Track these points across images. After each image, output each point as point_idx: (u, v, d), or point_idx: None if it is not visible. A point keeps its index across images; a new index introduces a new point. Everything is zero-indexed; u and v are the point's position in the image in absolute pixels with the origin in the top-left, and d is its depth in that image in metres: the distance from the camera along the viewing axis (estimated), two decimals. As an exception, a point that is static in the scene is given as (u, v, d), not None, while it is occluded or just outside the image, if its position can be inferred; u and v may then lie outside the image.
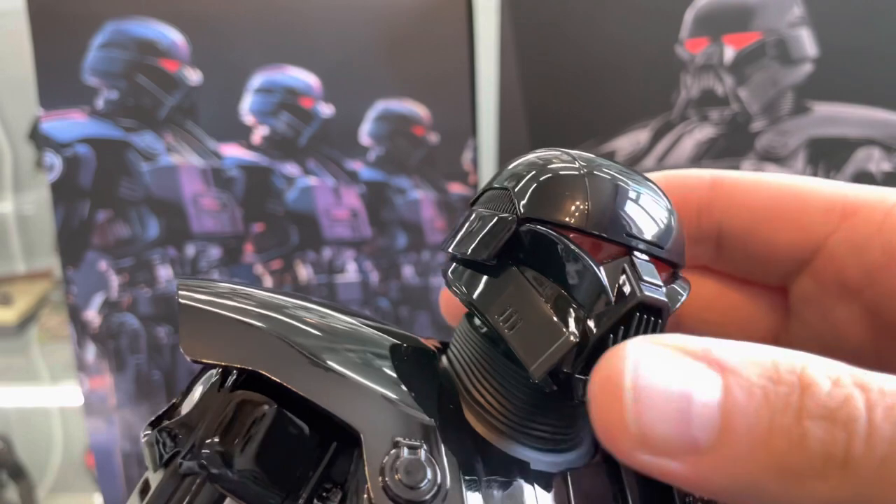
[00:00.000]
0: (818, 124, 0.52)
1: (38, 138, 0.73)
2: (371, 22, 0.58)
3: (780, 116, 0.53)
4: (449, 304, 0.26)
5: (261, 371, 0.18)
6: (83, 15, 0.55)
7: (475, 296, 0.20)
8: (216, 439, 0.18)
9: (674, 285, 0.20)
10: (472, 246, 0.20)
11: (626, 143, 0.55)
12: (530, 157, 0.21)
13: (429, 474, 0.17)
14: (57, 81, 0.55)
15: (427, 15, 0.58)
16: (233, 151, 0.57)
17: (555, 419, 0.21)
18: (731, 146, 0.54)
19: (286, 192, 0.58)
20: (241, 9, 0.56)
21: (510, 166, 0.21)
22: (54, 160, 0.55)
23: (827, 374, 0.14)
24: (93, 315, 0.58)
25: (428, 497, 0.17)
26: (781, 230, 0.22)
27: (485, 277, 0.20)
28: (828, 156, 0.53)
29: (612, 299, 0.18)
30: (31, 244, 1.05)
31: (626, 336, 0.18)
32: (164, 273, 0.58)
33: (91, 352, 0.58)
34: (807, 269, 0.22)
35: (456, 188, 0.61)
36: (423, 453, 0.18)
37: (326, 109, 0.58)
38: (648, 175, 0.22)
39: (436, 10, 0.59)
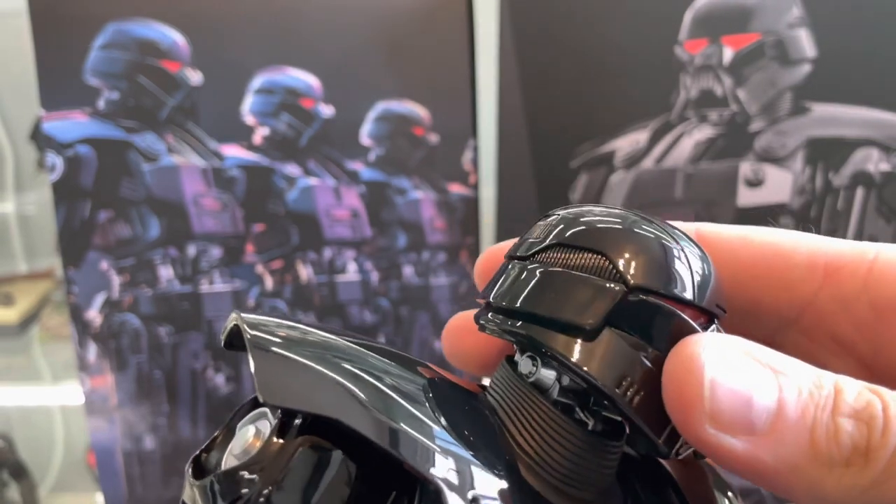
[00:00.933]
0: (817, 125, 0.53)
1: (40, 139, 0.73)
2: (371, 23, 0.58)
3: (778, 117, 0.53)
4: (468, 351, 0.25)
5: (344, 422, 0.17)
6: (84, 16, 0.55)
7: (585, 364, 0.20)
8: (277, 488, 0.17)
9: None
10: (572, 309, 0.20)
11: (625, 143, 0.55)
12: (600, 216, 0.21)
13: None
14: (58, 82, 0.55)
15: (427, 15, 0.59)
16: (234, 152, 0.58)
17: (599, 470, 0.21)
18: (730, 147, 0.54)
19: (287, 193, 0.59)
20: (242, 10, 0.56)
21: (580, 224, 0.21)
22: (55, 160, 0.56)
23: (852, 385, 0.18)
24: (94, 315, 0.58)
25: None
26: (766, 288, 0.23)
27: (582, 342, 0.20)
28: (826, 156, 0.53)
29: None
30: (33, 244, 1.05)
31: None
32: (165, 273, 0.58)
33: (92, 351, 0.58)
34: (795, 326, 0.23)
35: (456, 188, 0.61)
36: None
37: (327, 110, 0.58)
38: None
39: (436, 11, 0.59)
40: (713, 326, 0.20)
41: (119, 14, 0.55)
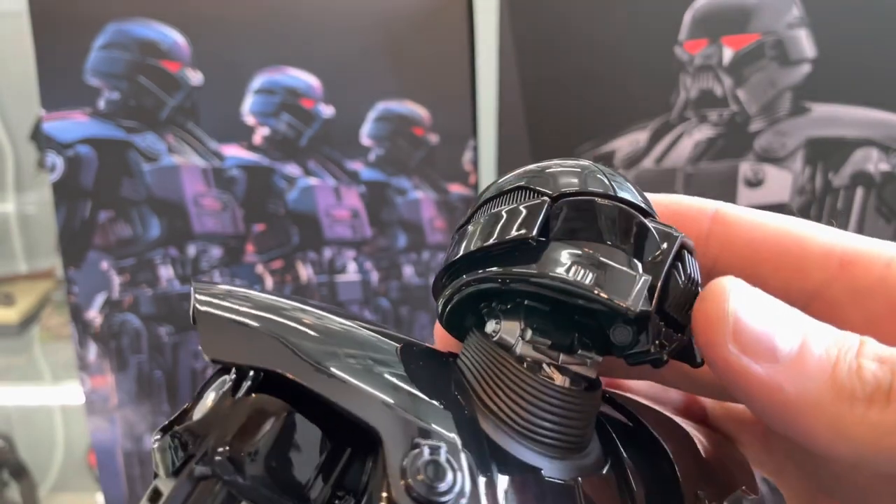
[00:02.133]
0: (816, 125, 0.53)
1: (40, 139, 0.73)
2: (371, 23, 0.58)
3: (778, 117, 0.53)
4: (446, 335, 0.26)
5: (280, 371, 0.18)
6: (85, 16, 0.55)
7: (539, 269, 0.20)
8: (229, 444, 0.18)
9: None
10: (511, 230, 0.20)
11: (625, 143, 0.55)
12: (516, 171, 0.22)
13: (449, 475, 0.17)
14: (59, 82, 0.55)
15: (427, 16, 0.59)
16: (234, 152, 0.58)
17: (566, 424, 0.21)
18: (730, 147, 0.54)
19: (287, 193, 0.59)
20: (243, 10, 0.56)
21: (500, 181, 0.22)
22: (56, 160, 0.56)
23: (875, 342, 0.18)
24: (94, 315, 0.58)
25: (449, 498, 0.17)
26: (779, 272, 0.22)
27: (530, 255, 0.20)
28: (826, 156, 0.53)
29: (661, 246, 0.19)
30: (33, 244, 1.05)
31: (682, 275, 0.19)
32: (166, 273, 0.58)
33: (93, 351, 0.58)
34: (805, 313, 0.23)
35: (456, 188, 0.61)
36: (443, 454, 0.17)
37: (327, 110, 0.58)
38: (653, 195, 0.24)
39: (436, 11, 0.59)
40: (649, 218, 0.20)
41: (119, 14, 0.55)
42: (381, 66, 0.59)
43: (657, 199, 0.24)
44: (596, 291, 0.19)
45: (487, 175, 0.61)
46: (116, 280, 0.58)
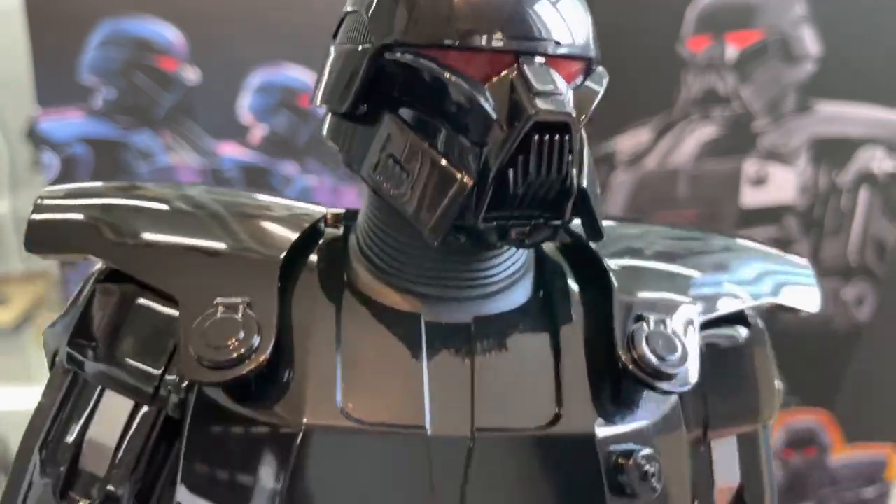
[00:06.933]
0: (821, 123, 0.52)
1: (36, 138, 0.73)
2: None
3: (782, 115, 0.53)
4: None
5: (88, 252, 0.19)
6: (80, 13, 0.54)
7: (349, 153, 0.18)
8: (72, 335, 0.19)
9: (588, 83, 0.17)
10: (333, 95, 0.18)
11: (628, 141, 0.55)
12: None
13: (240, 334, 0.16)
14: (54, 80, 0.55)
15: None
16: (231, 150, 0.57)
17: (464, 266, 0.19)
18: (734, 145, 0.54)
19: (284, 192, 0.58)
20: (240, 6, 0.56)
21: None
22: (52, 160, 0.55)
23: None
24: (90, 315, 0.57)
25: (235, 356, 0.16)
26: None
27: (359, 129, 0.18)
28: (830, 155, 0.53)
29: (505, 125, 0.15)
30: (28, 244, 1.04)
31: (537, 164, 0.15)
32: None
33: (88, 352, 0.58)
34: None
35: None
36: (241, 311, 0.17)
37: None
38: None
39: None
40: (514, 69, 0.16)
41: (116, 12, 0.55)
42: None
43: None
44: (398, 205, 0.17)
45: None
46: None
